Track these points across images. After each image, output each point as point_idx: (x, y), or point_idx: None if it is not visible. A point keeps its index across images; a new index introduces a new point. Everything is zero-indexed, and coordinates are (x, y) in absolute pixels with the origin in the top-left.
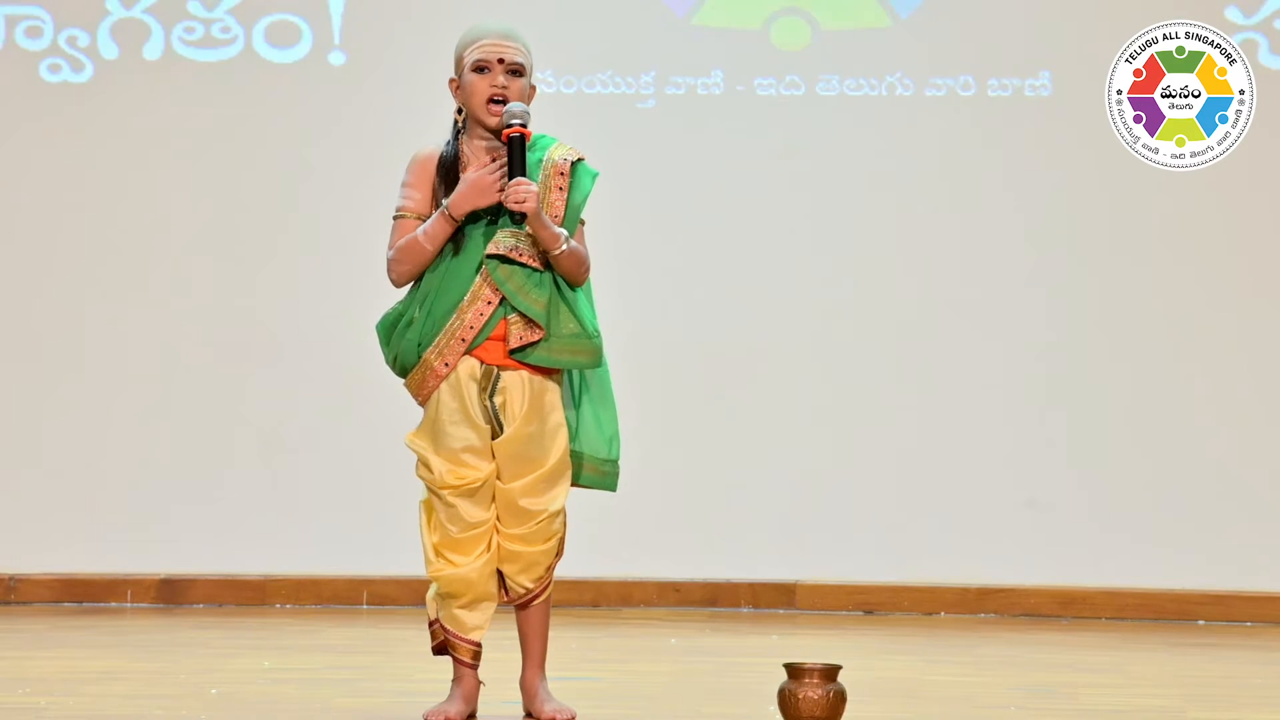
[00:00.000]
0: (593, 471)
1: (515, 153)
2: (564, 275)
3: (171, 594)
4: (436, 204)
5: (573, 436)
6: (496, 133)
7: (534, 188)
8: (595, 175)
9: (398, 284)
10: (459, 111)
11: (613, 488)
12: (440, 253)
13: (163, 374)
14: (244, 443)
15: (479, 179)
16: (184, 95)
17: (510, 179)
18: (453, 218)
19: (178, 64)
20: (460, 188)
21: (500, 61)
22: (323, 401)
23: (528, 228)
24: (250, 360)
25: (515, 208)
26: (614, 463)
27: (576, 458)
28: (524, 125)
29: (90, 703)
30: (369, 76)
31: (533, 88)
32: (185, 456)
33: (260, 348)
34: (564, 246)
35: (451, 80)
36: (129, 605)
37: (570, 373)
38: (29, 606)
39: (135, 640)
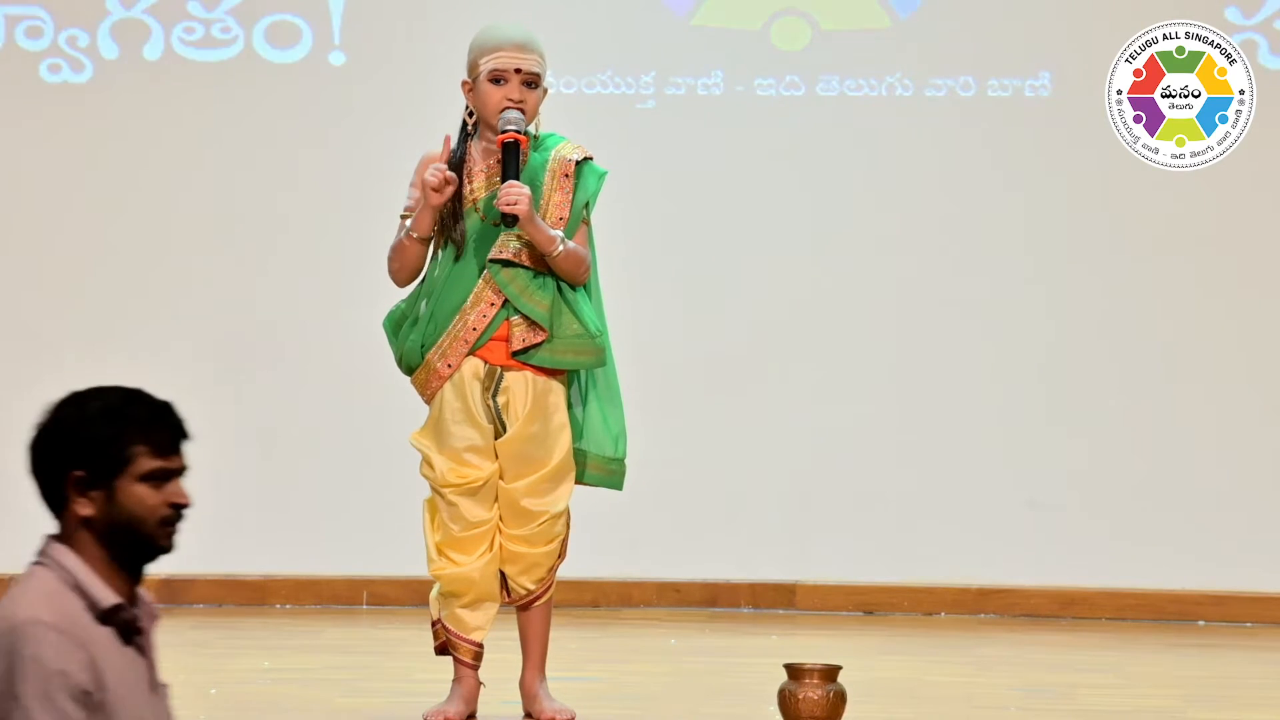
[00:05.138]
0: (598, 470)
1: (509, 157)
2: (562, 277)
3: (171, 594)
4: None
5: (579, 434)
6: None
7: (526, 190)
8: (603, 175)
9: (395, 283)
10: (470, 114)
11: (619, 486)
12: (442, 253)
13: (162, 373)
14: (244, 443)
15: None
16: (184, 95)
17: (503, 182)
18: (416, 237)
19: (178, 64)
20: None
21: (517, 72)
22: (323, 402)
23: (521, 230)
24: (250, 360)
25: (506, 210)
26: (620, 461)
27: (582, 456)
28: (519, 132)
29: None
30: (369, 76)
31: (544, 90)
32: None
33: (260, 348)
34: (559, 249)
35: (464, 83)
36: None
37: (578, 371)
38: None
39: None
